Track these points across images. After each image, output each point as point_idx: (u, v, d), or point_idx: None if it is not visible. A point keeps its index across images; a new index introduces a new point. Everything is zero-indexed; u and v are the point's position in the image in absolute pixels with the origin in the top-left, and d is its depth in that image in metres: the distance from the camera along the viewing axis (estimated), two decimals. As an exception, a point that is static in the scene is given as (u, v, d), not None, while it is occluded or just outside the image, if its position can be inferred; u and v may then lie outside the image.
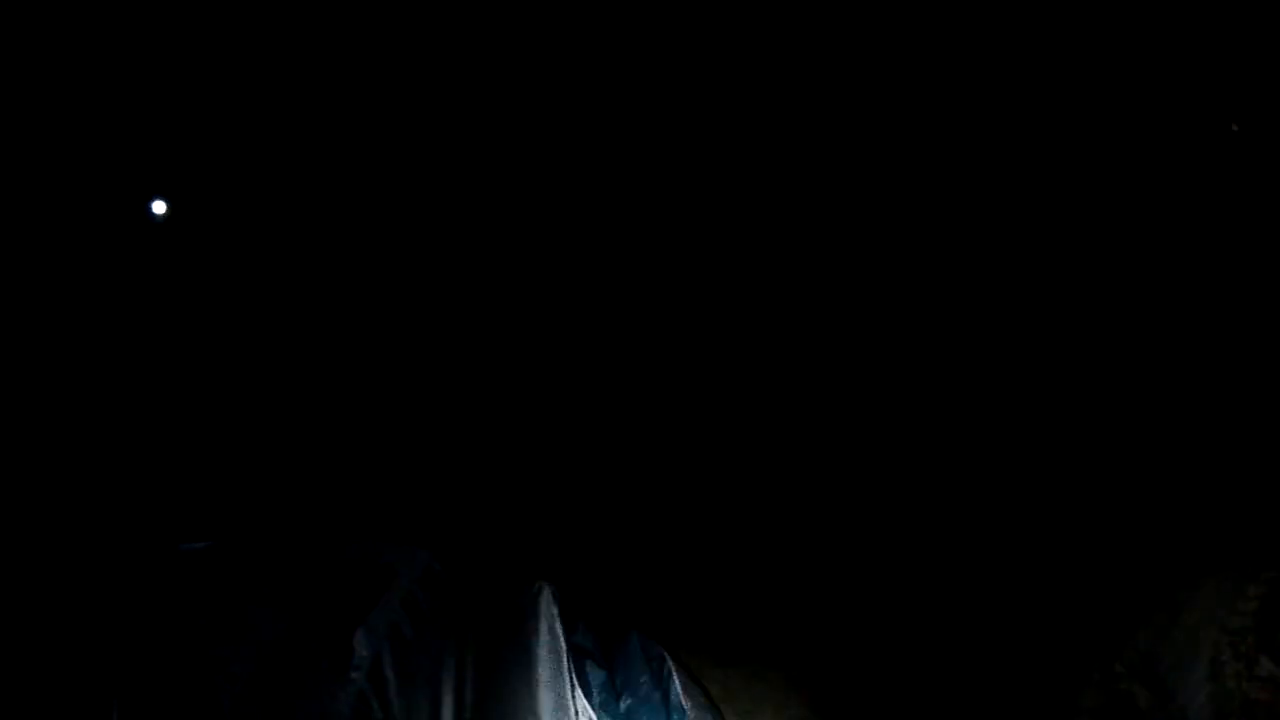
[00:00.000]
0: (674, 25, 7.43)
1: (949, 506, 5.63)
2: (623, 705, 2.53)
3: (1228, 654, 1.51)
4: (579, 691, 2.37)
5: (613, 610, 2.43)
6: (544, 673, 2.34)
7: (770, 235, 7.53)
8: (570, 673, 2.37)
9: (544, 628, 2.47)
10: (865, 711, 3.62)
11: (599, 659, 2.51)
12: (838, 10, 7.55)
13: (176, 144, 5.92)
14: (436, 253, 6.08)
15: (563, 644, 2.48)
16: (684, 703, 2.48)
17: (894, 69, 7.55)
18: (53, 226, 5.02)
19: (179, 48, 5.90)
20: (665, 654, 2.55)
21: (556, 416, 4.86)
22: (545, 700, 2.29)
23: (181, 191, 5.53)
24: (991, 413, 6.66)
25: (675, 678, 2.53)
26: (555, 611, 2.44)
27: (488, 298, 5.90)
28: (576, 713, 2.32)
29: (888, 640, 3.92)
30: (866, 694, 3.67)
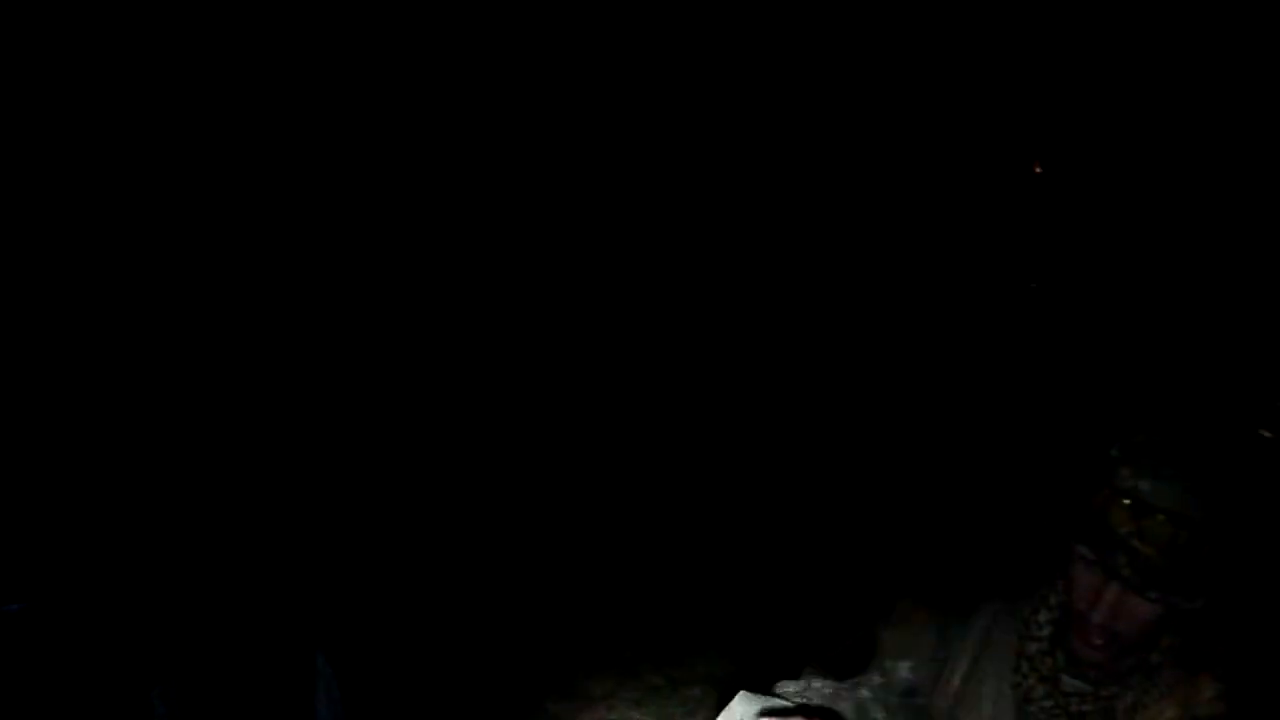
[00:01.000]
0: (674, 25, 7.57)
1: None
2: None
3: (1032, 679, 1.58)
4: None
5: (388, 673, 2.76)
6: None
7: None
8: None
9: (322, 694, 2.83)
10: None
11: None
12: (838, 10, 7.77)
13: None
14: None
15: (340, 709, 2.85)
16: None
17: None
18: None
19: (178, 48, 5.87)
20: None
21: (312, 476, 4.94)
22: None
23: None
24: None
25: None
26: (330, 672, 2.80)
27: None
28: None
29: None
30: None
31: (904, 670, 1.71)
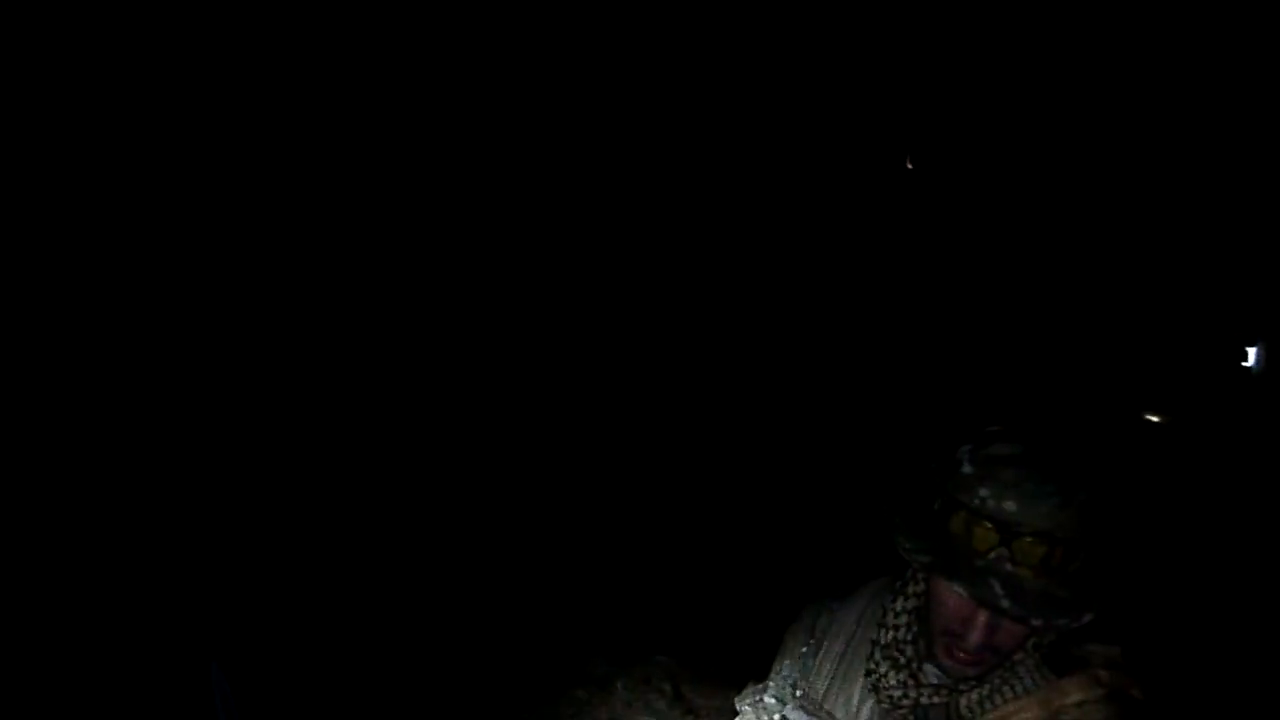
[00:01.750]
0: (675, 26, 7.74)
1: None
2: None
3: (884, 666, 1.43)
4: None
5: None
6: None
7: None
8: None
9: (219, 703, 2.84)
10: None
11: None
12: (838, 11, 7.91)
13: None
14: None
15: (236, 717, 2.86)
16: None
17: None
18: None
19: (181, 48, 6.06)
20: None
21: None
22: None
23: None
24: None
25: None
26: (225, 681, 2.82)
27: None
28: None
29: None
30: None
31: (786, 668, 1.66)
